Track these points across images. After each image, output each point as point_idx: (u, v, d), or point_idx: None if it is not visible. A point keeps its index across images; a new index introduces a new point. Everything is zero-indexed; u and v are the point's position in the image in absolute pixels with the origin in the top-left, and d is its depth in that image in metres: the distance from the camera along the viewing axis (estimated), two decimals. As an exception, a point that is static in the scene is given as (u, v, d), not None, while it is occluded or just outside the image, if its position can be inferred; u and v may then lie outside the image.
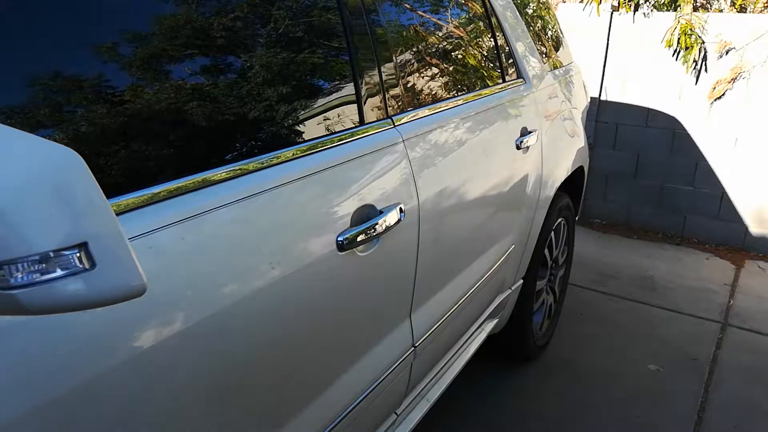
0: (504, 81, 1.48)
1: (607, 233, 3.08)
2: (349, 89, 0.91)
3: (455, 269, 1.21)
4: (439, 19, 1.32)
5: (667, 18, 2.82)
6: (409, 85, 1.10)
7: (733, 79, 2.72)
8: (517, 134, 1.42)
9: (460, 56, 1.36)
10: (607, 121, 3.08)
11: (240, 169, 0.69)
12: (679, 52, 2.79)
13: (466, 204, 1.18)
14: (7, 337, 0.47)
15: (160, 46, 0.65)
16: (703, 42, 2.73)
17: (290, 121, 0.80)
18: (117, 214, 0.45)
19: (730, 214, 2.89)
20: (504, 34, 1.54)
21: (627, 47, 2.94)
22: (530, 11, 1.87)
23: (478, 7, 1.48)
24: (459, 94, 1.26)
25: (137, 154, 0.62)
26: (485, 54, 1.47)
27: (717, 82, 2.77)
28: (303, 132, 0.82)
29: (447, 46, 1.31)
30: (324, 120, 0.86)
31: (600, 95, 3.05)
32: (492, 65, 1.48)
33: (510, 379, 1.78)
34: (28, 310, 0.36)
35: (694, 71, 2.81)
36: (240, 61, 0.74)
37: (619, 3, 2.94)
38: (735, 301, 2.34)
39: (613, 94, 3.04)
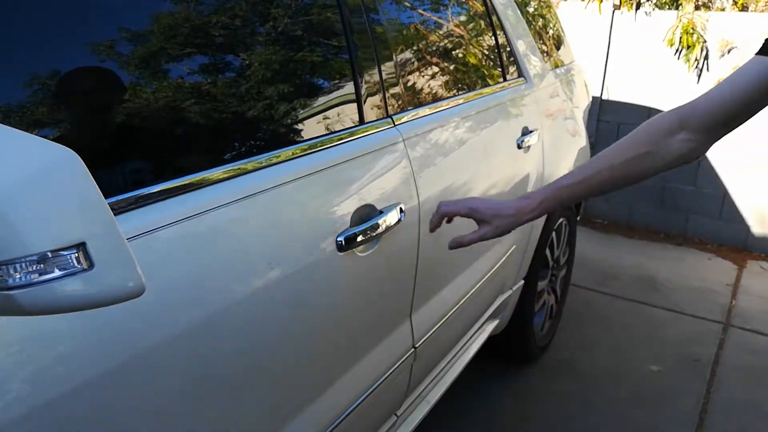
0: (505, 80, 1.47)
1: (609, 233, 3.07)
2: (348, 88, 0.90)
3: (456, 270, 1.21)
4: (439, 17, 1.32)
5: (669, 16, 2.81)
6: (409, 84, 1.09)
7: (736, 79, 2.70)
8: (518, 133, 1.41)
9: (460, 55, 1.35)
10: (609, 120, 3.07)
11: (239, 168, 0.68)
12: (681, 51, 2.78)
13: (466, 204, 1.18)
14: (6, 337, 0.47)
15: (158, 44, 0.64)
16: (705, 41, 2.72)
17: (289, 121, 0.80)
18: (115, 214, 0.44)
19: (732, 214, 2.88)
20: (505, 33, 1.53)
21: (629, 46, 2.93)
22: (531, 10, 1.86)
23: (479, 6, 1.47)
24: (459, 93, 1.26)
25: (135, 154, 0.62)
26: (486, 53, 1.47)
27: (719, 81, 2.76)
28: (302, 131, 0.81)
29: (447, 45, 1.31)
30: (323, 119, 0.85)
31: (601, 94, 3.04)
32: (493, 64, 1.47)
33: (511, 380, 1.78)
34: (26, 310, 0.36)
35: (696, 70, 2.80)
36: (239, 60, 0.74)
37: (621, 1, 2.94)
38: (737, 302, 2.33)
39: (615, 93, 3.03)
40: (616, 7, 2.94)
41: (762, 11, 3.08)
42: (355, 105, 0.91)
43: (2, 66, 0.52)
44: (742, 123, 0.77)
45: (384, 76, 0.98)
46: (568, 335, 2.02)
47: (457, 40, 1.35)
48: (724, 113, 0.75)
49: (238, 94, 0.72)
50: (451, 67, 1.29)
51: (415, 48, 1.16)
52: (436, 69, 1.22)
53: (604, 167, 0.81)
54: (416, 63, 1.15)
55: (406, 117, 1.01)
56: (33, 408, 0.48)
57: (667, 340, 2.02)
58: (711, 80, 2.78)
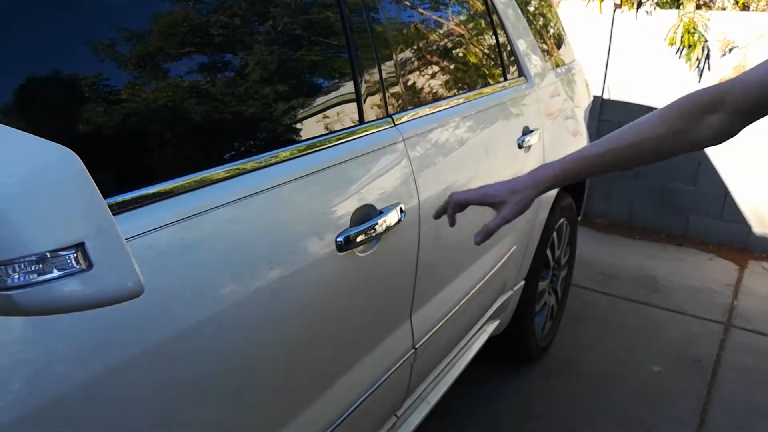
0: (505, 79, 1.47)
1: (609, 233, 3.07)
2: (348, 87, 0.90)
3: (456, 270, 1.21)
4: (439, 16, 1.31)
5: (670, 15, 2.81)
6: (409, 84, 1.09)
7: (737, 78, 2.70)
8: (518, 133, 1.41)
9: (461, 54, 1.35)
10: (610, 119, 3.07)
11: (238, 168, 0.68)
12: (682, 50, 2.78)
13: (467, 204, 1.18)
14: (6, 337, 0.47)
15: (157, 43, 0.64)
16: (706, 40, 2.72)
17: (289, 120, 0.80)
18: (114, 214, 0.44)
19: (732, 214, 2.87)
20: (505, 32, 1.53)
21: (630, 45, 2.93)
22: (532, 9, 1.86)
23: (479, 5, 1.47)
24: (460, 92, 1.26)
25: (134, 154, 0.62)
26: (486, 52, 1.46)
27: (720, 81, 2.76)
28: (302, 131, 0.81)
29: (448, 44, 1.30)
30: (323, 119, 0.85)
31: (602, 94, 3.04)
32: (493, 63, 1.47)
33: (512, 380, 1.78)
34: (24, 310, 0.36)
35: (697, 69, 2.80)
36: (238, 59, 0.74)
37: (621, 0, 2.93)
38: (738, 302, 2.33)
39: (616, 92, 3.03)
40: (617, 6, 2.94)
41: (763, 10, 3.08)
42: (354, 104, 0.91)
43: (1, 65, 0.51)
44: None
45: (384, 76, 0.98)
46: (569, 335, 2.02)
47: (457, 39, 1.35)
48: (762, 94, 0.68)
49: (237, 93, 0.72)
50: (452, 67, 1.29)
51: (415, 47, 1.16)
52: (436, 68, 1.22)
53: (633, 140, 0.76)
54: (416, 62, 1.15)
55: (406, 117, 1.01)
56: (32, 408, 0.48)
57: (668, 340, 2.02)
58: (712, 79, 2.78)
